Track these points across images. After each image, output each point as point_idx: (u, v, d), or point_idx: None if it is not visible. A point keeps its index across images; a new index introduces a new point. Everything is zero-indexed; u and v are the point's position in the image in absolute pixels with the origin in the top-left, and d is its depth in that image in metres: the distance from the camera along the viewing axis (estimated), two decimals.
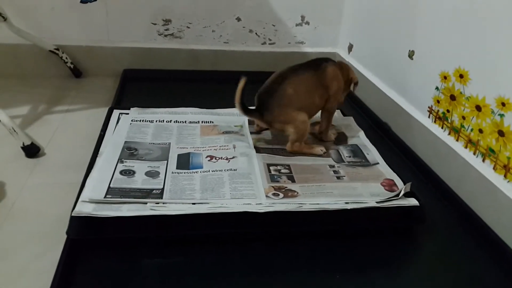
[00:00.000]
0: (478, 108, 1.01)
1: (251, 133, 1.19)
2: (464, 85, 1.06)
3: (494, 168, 0.96)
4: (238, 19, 1.72)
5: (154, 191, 0.91)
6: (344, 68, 1.17)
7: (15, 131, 1.13)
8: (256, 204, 0.89)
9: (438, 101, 1.16)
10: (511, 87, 0.91)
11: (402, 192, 0.93)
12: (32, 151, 1.14)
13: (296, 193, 0.94)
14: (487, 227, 0.94)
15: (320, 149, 1.14)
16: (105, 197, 0.88)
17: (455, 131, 1.09)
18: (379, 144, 1.20)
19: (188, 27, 1.72)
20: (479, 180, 0.98)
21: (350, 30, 1.72)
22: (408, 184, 0.94)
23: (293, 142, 1.10)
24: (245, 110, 1.06)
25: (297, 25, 1.77)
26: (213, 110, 1.31)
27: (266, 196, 0.92)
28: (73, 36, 1.66)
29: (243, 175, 0.99)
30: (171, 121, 1.23)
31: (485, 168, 0.98)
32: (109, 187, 0.91)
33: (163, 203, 0.88)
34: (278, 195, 0.93)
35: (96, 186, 0.90)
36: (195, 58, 1.75)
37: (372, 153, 1.13)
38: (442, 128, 1.15)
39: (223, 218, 0.86)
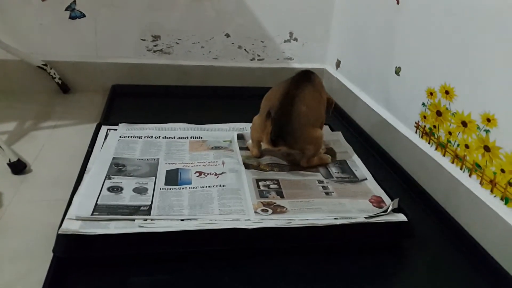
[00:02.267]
0: (464, 124, 1.02)
1: (240, 148, 1.19)
2: (450, 101, 1.07)
3: (480, 183, 0.97)
4: (227, 36, 1.74)
5: (142, 208, 0.91)
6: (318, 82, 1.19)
7: (1, 147, 1.11)
8: (245, 220, 0.89)
9: (425, 117, 1.18)
10: (495, 103, 0.93)
11: (390, 208, 0.93)
12: (18, 167, 1.13)
13: (285, 208, 0.94)
14: (475, 241, 0.95)
15: (327, 157, 1.16)
16: (92, 214, 0.87)
17: (442, 146, 1.10)
18: (367, 159, 1.21)
19: (177, 43, 1.72)
20: (466, 195, 0.99)
21: (338, 46, 1.75)
22: (396, 200, 0.95)
23: (308, 158, 1.11)
24: (274, 143, 1.05)
25: (285, 41, 1.79)
26: (202, 125, 1.31)
27: (255, 212, 0.92)
28: (62, 52, 1.66)
29: (232, 191, 0.99)
30: (159, 136, 1.23)
31: (472, 183, 0.99)
32: (96, 204, 0.90)
33: (151, 220, 0.87)
34: (267, 211, 0.93)
35: (83, 203, 0.90)
36: (185, 74, 1.76)
37: (361, 169, 1.14)
38: (429, 143, 1.16)
39: (212, 235, 0.85)
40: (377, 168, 1.23)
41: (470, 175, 1.00)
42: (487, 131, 0.96)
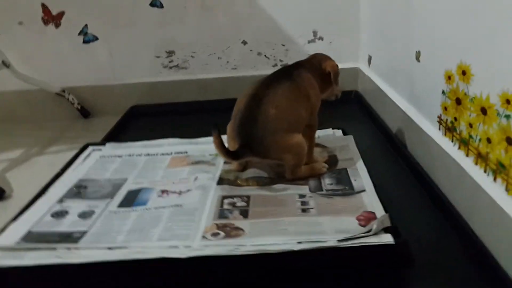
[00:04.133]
0: (483, 111, 0.77)
1: (225, 162, 1.03)
2: (468, 84, 0.82)
3: (506, 189, 0.70)
4: (244, 43, 1.60)
5: (75, 235, 0.78)
6: (314, 66, 0.99)
7: None
8: (185, 247, 0.72)
9: (446, 108, 0.92)
10: None
11: (374, 227, 0.70)
12: None
13: (241, 231, 0.76)
14: (499, 267, 0.68)
15: (321, 167, 0.96)
16: (17, 243, 0.76)
17: (464, 144, 0.84)
18: (390, 165, 1.04)
19: (193, 57, 1.62)
20: (490, 206, 0.73)
21: (369, 40, 1.52)
22: (384, 217, 0.72)
23: (292, 170, 0.92)
24: (235, 156, 0.89)
25: (309, 41, 1.60)
26: (193, 139, 1.17)
27: (203, 236, 0.75)
28: (79, 77, 1.64)
29: (187, 212, 0.83)
30: (141, 154, 1.11)
31: (496, 190, 0.73)
32: (28, 231, 0.80)
33: (76, 249, 0.74)
34: (218, 234, 0.76)
35: (14, 231, 0.80)
36: (203, 88, 1.65)
37: (361, 178, 0.91)
38: (452, 141, 0.90)
39: (138, 266, 0.70)
40: (398, 176, 1.01)
41: (494, 179, 0.74)
42: (507, 116, 0.69)
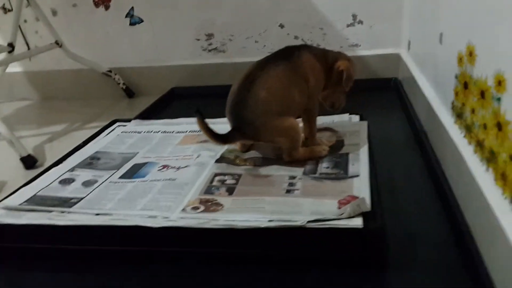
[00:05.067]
0: (482, 94, 0.71)
1: None
2: (473, 66, 0.76)
3: (494, 179, 0.65)
4: (281, 26, 1.59)
5: (72, 200, 0.84)
6: (327, 57, 0.95)
7: (12, 143, 1.17)
8: (163, 218, 0.75)
9: (457, 93, 0.86)
10: (509, 55, 0.61)
11: (348, 210, 0.68)
12: (28, 162, 1.17)
13: (221, 207, 0.77)
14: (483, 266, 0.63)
15: (322, 149, 0.94)
16: (20, 204, 0.83)
17: (468, 131, 0.78)
18: (407, 155, 1.01)
19: (231, 40, 1.64)
20: (479, 199, 0.67)
21: (410, 25, 1.44)
22: (361, 201, 0.69)
23: (289, 152, 0.92)
24: (223, 139, 0.89)
25: (348, 25, 1.55)
26: (212, 119, 1.19)
27: (183, 209, 0.77)
28: (125, 57, 1.73)
29: (178, 185, 0.85)
30: (158, 131, 1.16)
31: (486, 181, 0.67)
32: (34, 195, 0.87)
33: (68, 213, 0.79)
34: (198, 208, 0.77)
35: (22, 194, 0.87)
36: (240, 71, 1.65)
37: (360, 164, 0.88)
38: (459, 129, 0.84)
39: (117, 232, 0.73)
40: (411, 166, 0.97)
41: (487, 169, 0.68)
42: (498, 99, 0.64)
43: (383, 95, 1.50)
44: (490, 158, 0.67)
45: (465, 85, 0.80)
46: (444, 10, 0.97)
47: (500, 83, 0.63)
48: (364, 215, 0.69)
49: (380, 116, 1.30)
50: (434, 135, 0.99)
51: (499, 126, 0.63)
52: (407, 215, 0.79)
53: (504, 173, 0.61)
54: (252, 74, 0.88)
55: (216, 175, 0.88)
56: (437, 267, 0.67)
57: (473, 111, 0.76)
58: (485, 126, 0.69)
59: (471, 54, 0.76)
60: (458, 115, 0.85)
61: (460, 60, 0.83)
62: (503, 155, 0.61)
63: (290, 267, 0.68)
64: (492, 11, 0.66)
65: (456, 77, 0.86)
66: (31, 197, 0.86)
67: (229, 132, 0.87)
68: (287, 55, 0.92)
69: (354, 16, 1.54)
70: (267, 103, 0.86)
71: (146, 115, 1.43)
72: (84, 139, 1.22)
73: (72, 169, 0.97)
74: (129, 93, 1.74)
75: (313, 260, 0.69)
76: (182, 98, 1.66)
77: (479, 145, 0.72)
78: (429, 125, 1.05)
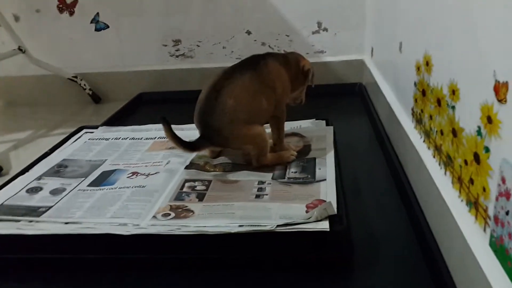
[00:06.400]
0: (439, 102, 0.75)
1: None
2: (429, 74, 0.80)
3: (452, 182, 0.69)
4: (248, 32, 1.61)
5: (40, 209, 0.83)
6: (289, 61, 0.98)
7: None
8: (133, 225, 0.75)
9: (416, 100, 0.90)
10: (461, 67, 0.65)
11: (315, 214, 0.71)
12: None
13: (191, 213, 0.78)
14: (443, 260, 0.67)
15: (289, 155, 0.97)
16: None
17: (427, 136, 0.83)
18: (371, 158, 1.05)
19: (198, 46, 1.65)
20: (437, 200, 0.71)
21: (373, 31, 1.49)
22: (327, 205, 0.72)
23: (257, 158, 0.94)
24: (192, 147, 0.91)
25: (313, 33, 1.59)
26: (180, 125, 1.20)
27: (154, 216, 0.78)
28: (91, 63, 1.71)
29: (147, 193, 0.86)
30: (127, 138, 1.16)
31: (444, 182, 0.71)
32: (1, 204, 0.86)
33: (37, 222, 0.79)
34: (169, 215, 0.78)
35: None
36: (208, 77, 1.66)
37: (326, 168, 0.91)
38: (419, 134, 0.88)
39: (88, 240, 0.74)
40: (374, 169, 1.02)
41: (445, 172, 0.72)
42: (453, 107, 0.68)
43: (348, 99, 1.55)
44: (447, 162, 0.71)
45: (423, 93, 0.84)
46: (402, 20, 1.01)
47: (454, 92, 0.67)
48: (330, 218, 0.72)
49: (345, 120, 1.34)
50: (396, 138, 1.04)
51: (454, 132, 0.67)
52: (371, 216, 0.83)
53: (460, 177, 0.65)
54: (219, 83, 0.90)
55: (186, 181, 0.90)
56: (400, 264, 0.71)
57: (430, 117, 0.80)
58: (441, 132, 0.73)
59: (427, 63, 0.81)
60: (418, 120, 0.89)
61: (418, 68, 0.87)
62: (459, 160, 0.65)
63: (258, 269, 0.70)
64: (446, 22, 0.70)
65: (415, 84, 0.90)
66: None
67: (197, 140, 0.89)
68: (253, 64, 0.94)
69: (319, 24, 1.58)
70: (234, 111, 0.88)
71: (113, 121, 1.43)
72: (50, 147, 1.21)
73: (39, 178, 0.96)
74: (96, 98, 1.73)
75: (280, 263, 0.71)
76: (150, 104, 1.66)
77: (437, 150, 0.76)
78: (391, 128, 1.09)
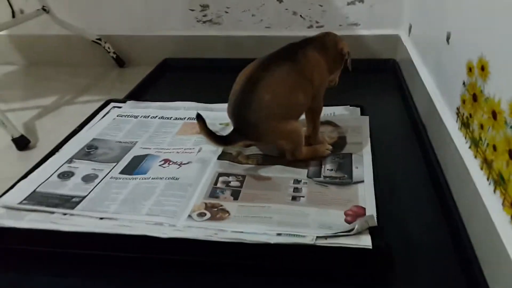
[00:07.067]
0: (494, 115, 0.71)
1: None
2: (484, 81, 0.75)
3: (502, 204, 0.66)
4: (280, 1, 1.54)
5: (73, 199, 0.83)
6: (327, 46, 0.93)
7: (4, 124, 1.13)
8: (169, 225, 0.75)
9: (464, 101, 0.86)
10: None
11: (356, 227, 0.69)
12: (21, 144, 1.14)
13: (227, 214, 0.77)
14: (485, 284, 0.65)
15: (325, 149, 0.94)
16: (20, 202, 0.82)
17: (475, 144, 0.79)
18: (406, 151, 1.01)
19: (227, 12, 1.58)
20: (484, 219, 0.69)
21: (411, 7, 1.41)
22: (369, 218, 0.70)
23: (291, 153, 0.91)
24: (225, 141, 0.88)
25: (349, 3, 1.51)
26: (209, 105, 1.17)
27: (189, 215, 0.77)
28: (116, 26, 1.66)
29: (181, 186, 0.85)
30: (156, 116, 1.13)
31: (493, 203, 0.68)
32: (34, 191, 0.85)
33: (71, 215, 0.78)
34: (204, 215, 0.77)
35: (21, 189, 0.86)
36: (236, 45, 1.62)
37: (363, 167, 0.88)
38: (465, 138, 0.85)
39: (124, 239, 0.73)
40: (410, 165, 0.98)
41: (494, 191, 0.69)
42: None
43: (380, 76, 1.49)
44: (498, 181, 0.67)
45: (474, 97, 0.80)
46: (453, 5, 0.95)
47: None
48: (371, 230, 0.70)
49: (377, 100, 1.30)
50: (435, 133, 1.00)
51: (511, 153, 0.63)
52: (406, 220, 0.81)
53: None
54: (255, 75, 0.86)
55: (219, 175, 0.88)
56: (436, 272, 0.70)
57: (481, 127, 0.76)
58: (494, 148, 0.70)
59: (483, 68, 0.76)
60: (464, 124, 0.85)
61: (470, 69, 0.82)
62: None
63: (292, 279, 0.70)
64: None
65: (464, 84, 0.85)
66: (30, 194, 0.84)
67: (231, 134, 0.86)
68: (291, 55, 0.89)
69: None
70: (271, 106, 0.84)
71: (140, 89, 1.40)
72: (75, 116, 1.19)
73: (70, 160, 0.95)
74: (120, 62, 1.69)
75: (319, 276, 0.70)
76: (176, 70, 1.63)
77: (487, 164, 0.73)
78: (430, 121, 1.05)
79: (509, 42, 0.66)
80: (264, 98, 0.84)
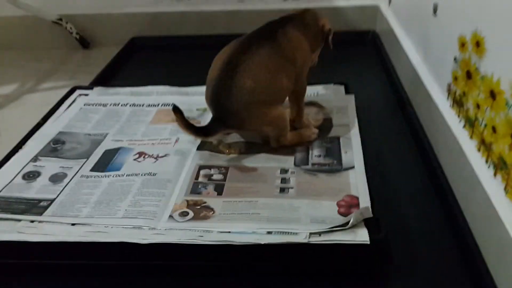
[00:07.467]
0: (493, 94, 0.66)
1: None
2: (480, 58, 0.70)
3: (505, 189, 0.62)
4: None
5: (41, 203, 0.75)
6: (307, 23, 0.87)
7: None
8: (149, 229, 0.68)
9: (456, 78, 0.81)
10: None
11: (352, 221, 0.64)
12: None
13: (211, 212, 0.71)
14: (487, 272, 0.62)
15: (311, 133, 0.89)
16: None
17: (470, 124, 0.75)
18: (393, 129, 0.98)
19: None
20: (484, 203, 0.65)
21: None
22: (364, 210, 0.66)
23: (276, 139, 0.85)
24: (205, 132, 0.80)
25: None
26: (183, 88, 1.10)
27: (170, 216, 0.71)
28: (77, 4, 1.54)
29: (159, 183, 0.78)
30: (127, 104, 1.05)
31: (494, 187, 0.65)
32: None
33: (39, 222, 0.71)
34: (187, 214, 0.71)
35: None
36: (206, 21, 1.53)
37: (352, 151, 0.83)
38: (458, 116, 0.80)
39: (99, 247, 0.67)
40: (399, 144, 0.94)
41: (494, 174, 0.65)
42: None
43: (361, 49, 1.44)
44: (499, 165, 0.63)
45: (468, 75, 0.75)
46: None
47: None
48: (366, 222, 0.66)
49: (358, 75, 1.25)
50: (423, 110, 0.96)
51: None
52: (400, 207, 0.77)
53: None
54: (234, 59, 0.79)
55: (200, 168, 0.82)
56: (436, 261, 0.67)
57: (478, 106, 0.71)
58: (494, 129, 0.66)
59: (478, 44, 0.71)
60: (457, 102, 0.81)
61: (462, 45, 0.77)
62: None
63: (286, 278, 0.65)
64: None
65: (456, 60, 0.80)
66: None
67: (211, 124, 0.80)
68: (270, 35, 0.82)
69: None
70: (253, 93, 0.78)
71: (107, 71, 1.31)
72: (38, 106, 1.11)
73: (35, 158, 0.87)
74: (84, 43, 1.58)
75: (309, 272, 0.66)
76: (144, 49, 1.54)
77: (485, 146, 0.69)
78: (416, 97, 1.01)
79: (507, 19, 0.61)
80: (245, 85, 0.77)
